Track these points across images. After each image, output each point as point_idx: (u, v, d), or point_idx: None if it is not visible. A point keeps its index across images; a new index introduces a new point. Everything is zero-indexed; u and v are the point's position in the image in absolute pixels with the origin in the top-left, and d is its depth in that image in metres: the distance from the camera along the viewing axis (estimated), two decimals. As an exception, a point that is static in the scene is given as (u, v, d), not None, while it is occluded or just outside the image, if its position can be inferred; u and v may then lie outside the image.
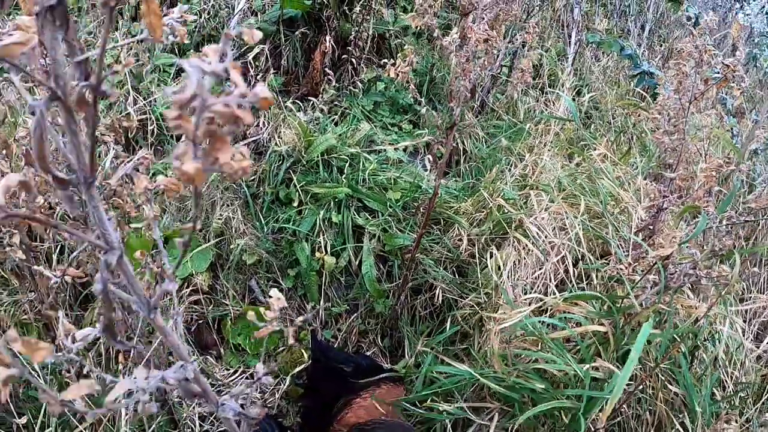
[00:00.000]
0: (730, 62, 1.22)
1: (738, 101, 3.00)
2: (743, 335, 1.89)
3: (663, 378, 1.54)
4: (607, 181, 1.70)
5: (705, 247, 1.34)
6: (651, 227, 1.52)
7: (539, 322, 1.33)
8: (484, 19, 1.23)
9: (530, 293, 1.56)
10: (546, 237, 1.58)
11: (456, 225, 1.86)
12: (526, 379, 1.37)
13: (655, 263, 1.25)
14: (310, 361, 1.78)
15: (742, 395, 1.75)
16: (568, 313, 1.35)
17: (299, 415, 1.78)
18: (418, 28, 1.51)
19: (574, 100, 2.68)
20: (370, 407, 1.47)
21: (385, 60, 1.53)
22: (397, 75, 1.46)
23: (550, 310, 1.43)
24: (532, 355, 1.36)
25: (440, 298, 1.72)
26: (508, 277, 1.58)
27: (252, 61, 2.00)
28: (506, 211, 1.65)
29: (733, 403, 1.70)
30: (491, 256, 1.62)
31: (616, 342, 1.35)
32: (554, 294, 1.51)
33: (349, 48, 2.23)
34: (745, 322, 1.97)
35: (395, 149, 2.08)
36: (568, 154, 1.94)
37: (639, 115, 2.61)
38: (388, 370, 1.62)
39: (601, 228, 1.60)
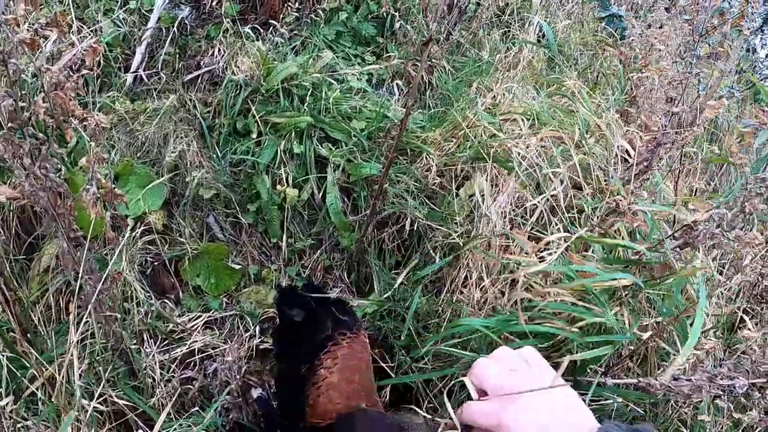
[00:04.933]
0: None
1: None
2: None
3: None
4: (583, 110, 1.63)
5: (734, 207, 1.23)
6: (647, 162, 1.46)
7: (567, 268, 1.21)
8: None
9: (520, 226, 1.49)
10: (531, 166, 1.51)
11: (424, 155, 1.79)
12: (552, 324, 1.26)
13: (684, 225, 1.16)
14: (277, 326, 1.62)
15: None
16: (581, 264, 1.24)
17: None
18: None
19: (538, 41, 2.61)
20: (339, 385, 1.25)
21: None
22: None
23: (557, 252, 1.30)
24: (564, 309, 1.24)
25: (410, 229, 1.65)
26: (487, 208, 1.51)
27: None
28: (485, 137, 1.57)
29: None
30: (460, 187, 1.55)
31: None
32: (549, 230, 1.43)
33: (310, -27, 2.10)
34: None
35: (358, 78, 1.98)
36: (539, 86, 1.87)
37: (605, 53, 2.57)
38: (337, 301, 1.40)
39: (582, 158, 1.54)
